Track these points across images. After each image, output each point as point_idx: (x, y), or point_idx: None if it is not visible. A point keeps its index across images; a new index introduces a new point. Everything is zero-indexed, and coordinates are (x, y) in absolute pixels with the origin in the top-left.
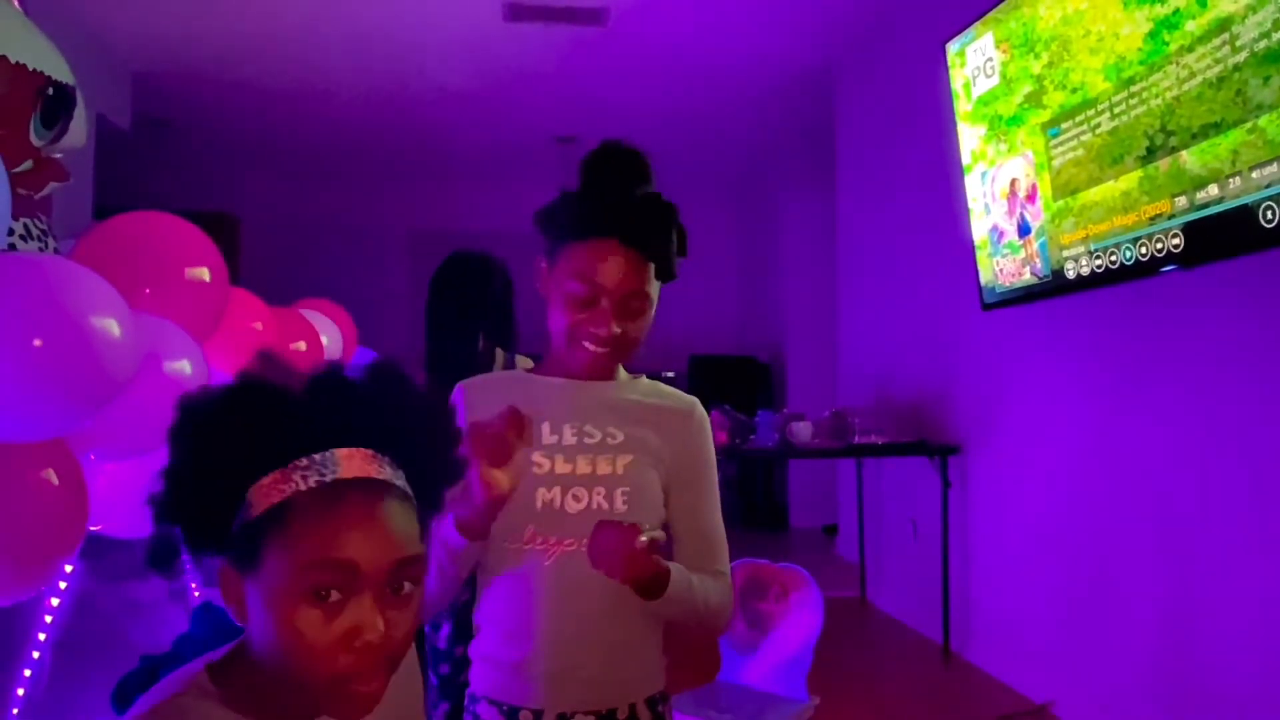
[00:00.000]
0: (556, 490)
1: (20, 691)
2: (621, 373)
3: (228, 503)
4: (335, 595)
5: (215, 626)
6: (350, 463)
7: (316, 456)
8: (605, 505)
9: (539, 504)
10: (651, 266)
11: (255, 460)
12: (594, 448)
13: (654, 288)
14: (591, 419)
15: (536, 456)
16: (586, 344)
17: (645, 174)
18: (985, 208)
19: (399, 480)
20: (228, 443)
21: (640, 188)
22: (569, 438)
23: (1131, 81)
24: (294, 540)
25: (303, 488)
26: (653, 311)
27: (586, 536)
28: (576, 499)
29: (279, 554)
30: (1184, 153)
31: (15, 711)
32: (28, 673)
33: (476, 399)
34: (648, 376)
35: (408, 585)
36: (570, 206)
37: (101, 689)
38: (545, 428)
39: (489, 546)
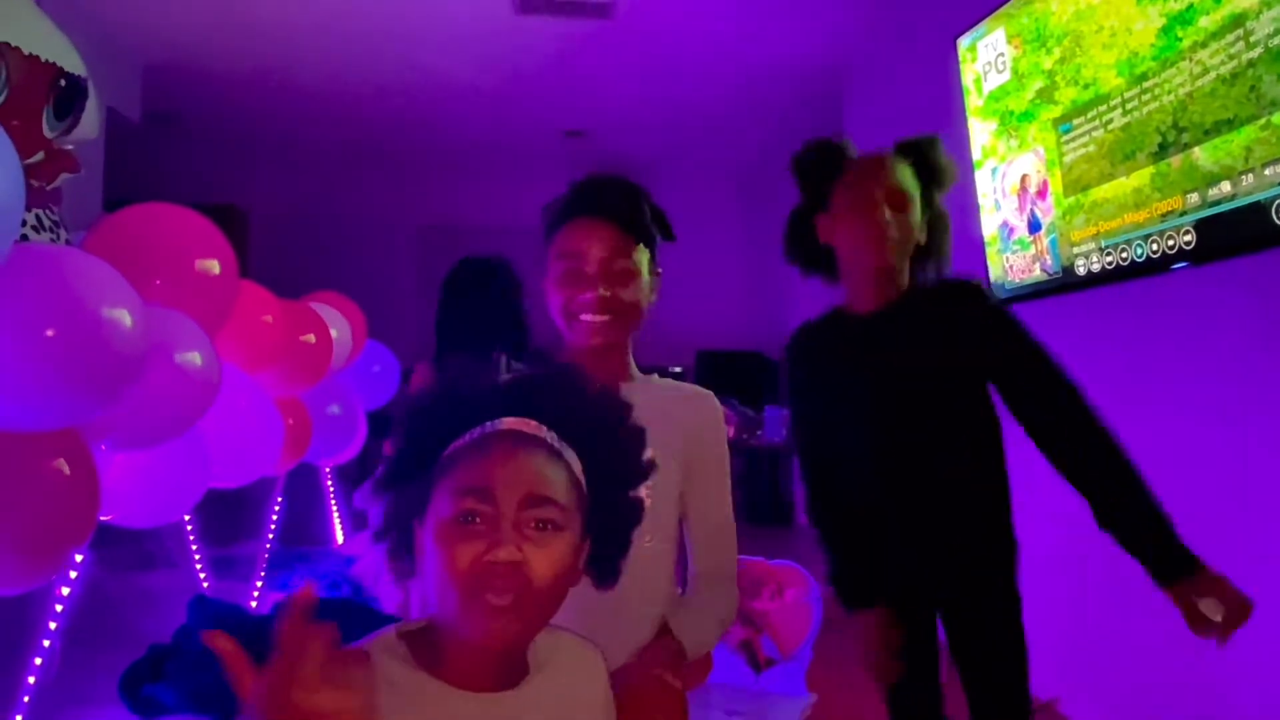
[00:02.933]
0: None
1: (31, 679)
2: (635, 371)
3: (432, 460)
4: (477, 520)
5: (211, 619)
6: (511, 423)
7: (487, 424)
8: None
9: None
10: (631, 238)
11: (445, 441)
12: None
13: (640, 256)
14: None
15: None
16: (582, 316)
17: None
18: (995, 204)
19: (554, 440)
20: (433, 429)
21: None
22: None
23: (1144, 77)
24: (451, 478)
25: (467, 442)
26: (644, 281)
27: None
28: None
29: (440, 492)
30: (1196, 149)
31: (26, 699)
32: (38, 661)
33: None
34: (658, 374)
35: (548, 527)
36: (555, 203)
37: (110, 677)
38: None
39: None
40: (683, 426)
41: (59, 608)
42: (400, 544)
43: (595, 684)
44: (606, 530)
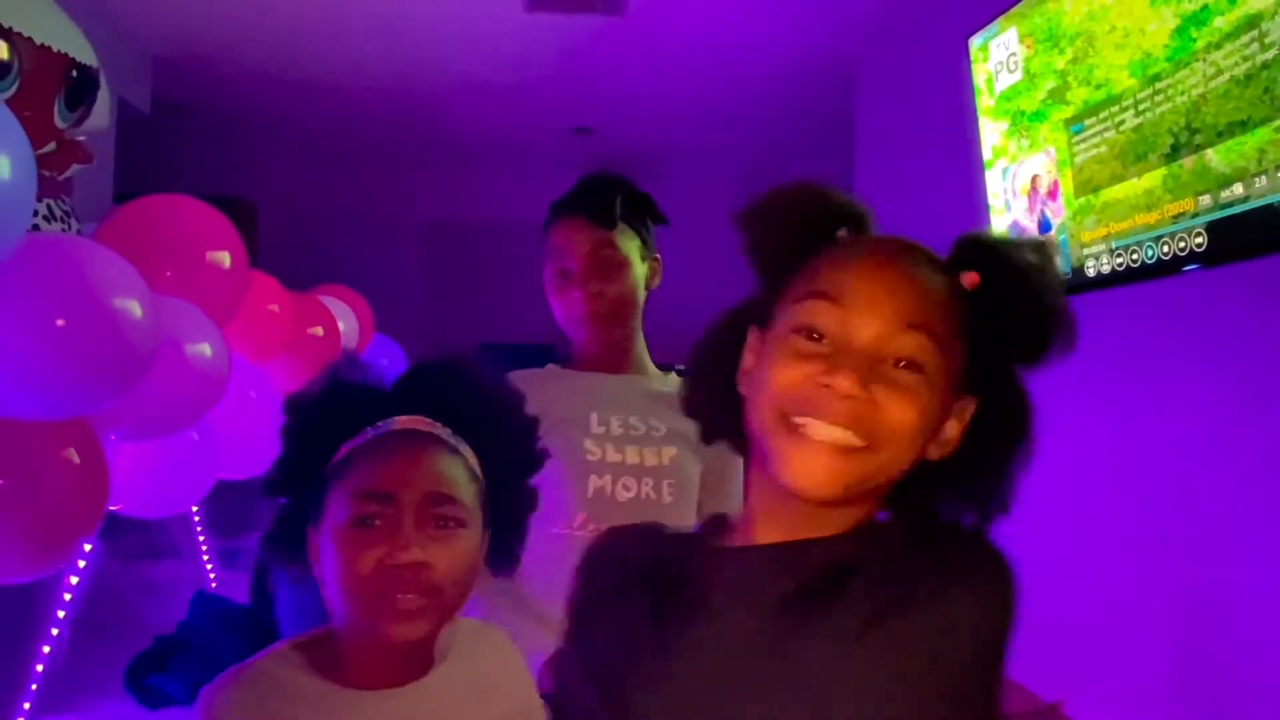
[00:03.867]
0: (608, 478)
1: (39, 667)
2: (651, 366)
3: (318, 466)
4: (377, 523)
5: (211, 614)
6: (404, 422)
7: (380, 424)
8: (653, 495)
9: (590, 490)
10: (607, 228)
11: (341, 439)
12: (640, 439)
13: (625, 244)
14: (634, 410)
15: (588, 443)
16: (579, 313)
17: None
18: (1006, 204)
19: (451, 438)
20: (320, 430)
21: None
22: (616, 428)
23: (1157, 78)
24: (347, 481)
25: (361, 443)
26: (634, 269)
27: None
28: (626, 488)
29: (336, 495)
30: (1209, 151)
31: (34, 686)
32: (47, 649)
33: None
34: (676, 371)
35: (450, 524)
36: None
37: (116, 667)
38: (594, 417)
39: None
40: None
41: (67, 596)
42: (291, 549)
43: (506, 661)
44: (505, 520)
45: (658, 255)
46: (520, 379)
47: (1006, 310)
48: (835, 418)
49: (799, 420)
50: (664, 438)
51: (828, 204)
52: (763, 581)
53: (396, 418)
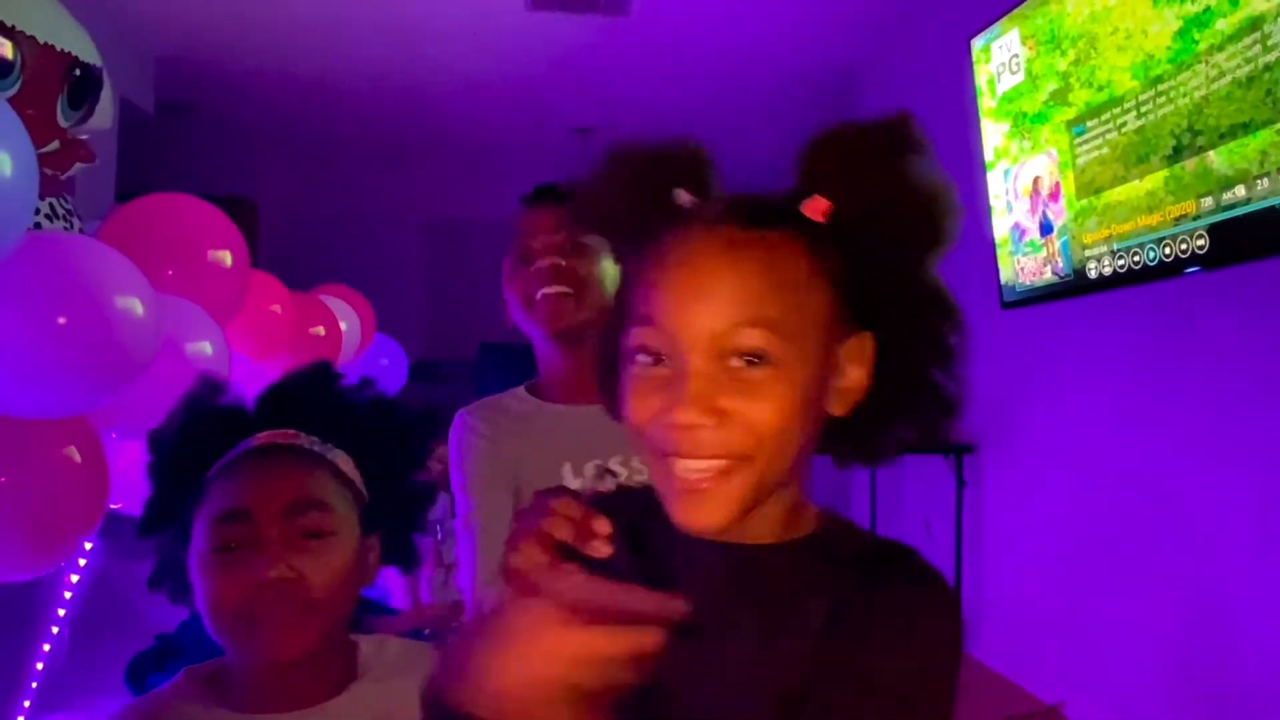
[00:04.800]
0: None
1: (39, 665)
2: None
3: (189, 492)
4: (239, 546)
5: None
6: (263, 438)
7: (239, 443)
8: None
9: None
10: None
11: (205, 465)
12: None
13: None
14: (613, 451)
15: None
16: (540, 291)
17: None
18: (1007, 205)
19: (311, 444)
20: (184, 461)
21: None
22: (590, 479)
23: (1159, 80)
24: (206, 508)
25: (218, 467)
26: (607, 263)
27: None
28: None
29: (198, 523)
30: (1211, 153)
31: (34, 685)
32: (47, 647)
33: (482, 429)
34: None
35: (320, 535)
36: None
37: (116, 665)
38: (566, 469)
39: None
40: None
41: (68, 595)
42: (178, 586)
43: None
44: (397, 520)
45: None
46: (480, 416)
47: (869, 222)
48: (695, 450)
49: (668, 461)
50: (646, 481)
51: (655, 165)
52: (718, 582)
53: (256, 435)
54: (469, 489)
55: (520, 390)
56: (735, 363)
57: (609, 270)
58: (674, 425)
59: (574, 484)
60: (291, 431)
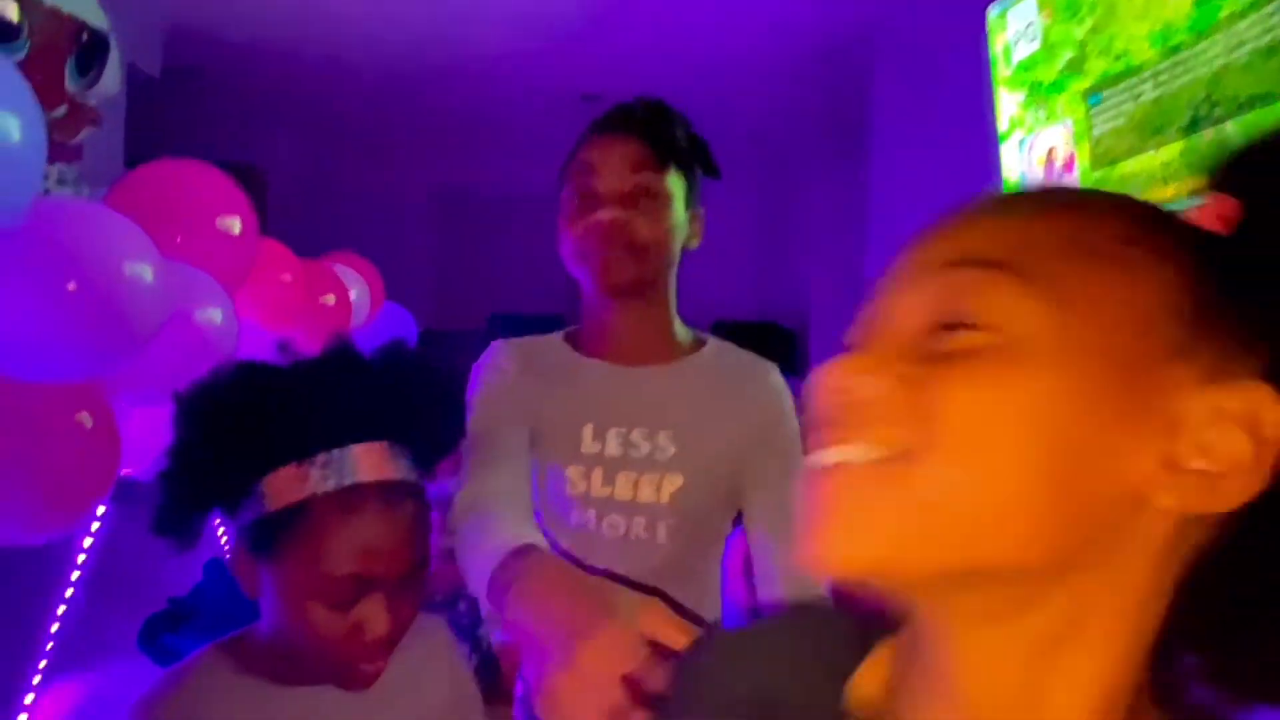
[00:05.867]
0: (592, 513)
1: (54, 628)
2: (683, 337)
3: (240, 487)
4: (354, 603)
5: (225, 580)
6: (368, 461)
7: (335, 453)
8: (644, 535)
9: (572, 523)
10: (657, 156)
11: (271, 451)
12: (640, 463)
13: (671, 182)
14: (641, 421)
15: (571, 473)
16: (595, 247)
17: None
18: (1022, 176)
19: (413, 474)
20: (242, 433)
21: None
22: (613, 447)
23: (1178, 49)
24: (313, 544)
25: (320, 491)
26: (676, 213)
27: (622, 566)
28: (613, 526)
29: (297, 554)
30: (1229, 124)
31: (49, 647)
32: (60, 610)
33: (509, 366)
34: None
35: (417, 584)
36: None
37: (130, 628)
38: (588, 431)
39: (548, 519)
40: (738, 416)
41: (81, 559)
42: (183, 531)
43: (441, 651)
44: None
45: (701, 209)
46: (522, 356)
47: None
48: (853, 428)
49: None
50: (669, 461)
51: None
52: None
53: (355, 452)
54: (476, 420)
55: (557, 338)
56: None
57: (680, 220)
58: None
59: (592, 448)
60: (386, 450)
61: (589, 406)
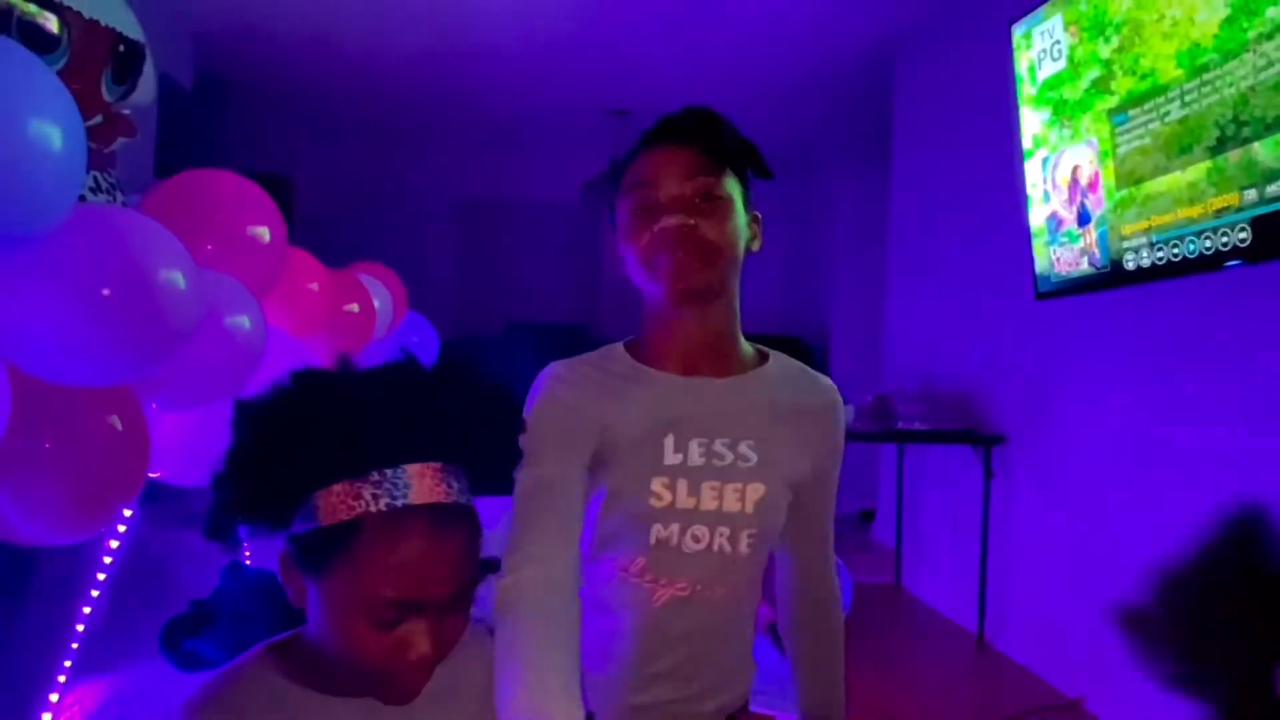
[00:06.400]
0: (675, 527)
1: (80, 627)
2: (749, 357)
3: (291, 500)
4: (400, 623)
5: (242, 584)
6: (421, 484)
7: (388, 472)
8: (728, 548)
9: (653, 539)
10: (714, 162)
11: (326, 466)
12: (723, 471)
13: (730, 186)
14: (723, 431)
15: (655, 485)
16: (664, 257)
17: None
18: (1045, 194)
19: (464, 497)
20: (297, 445)
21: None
22: (695, 457)
23: (1205, 69)
24: (360, 565)
25: (373, 509)
26: (738, 216)
27: (702, 579)
28: (696, 539)
29: (344, 573)
30: (1256, 144)
31: (75, 646)
32: (87, 610)
33: (565, 392)
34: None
35: (460, 604)
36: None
37: (152, 630)
38: (669, 443)
39: (591, 554)
40: (805, 439)
41: (108, 560)
42: (227, 537)
43: (483, 661)
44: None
45: (758, 214)
46: (580, 377)
47: None
48: None
49: None
50: (751, 470)
51: None
52: None
53: (409, 472)
54: (530, 453)
55: (619, 349)
56: None
57: (742, 222)
58: None
59: (674, 459)
60: (439, 471)
61: (668, 416)
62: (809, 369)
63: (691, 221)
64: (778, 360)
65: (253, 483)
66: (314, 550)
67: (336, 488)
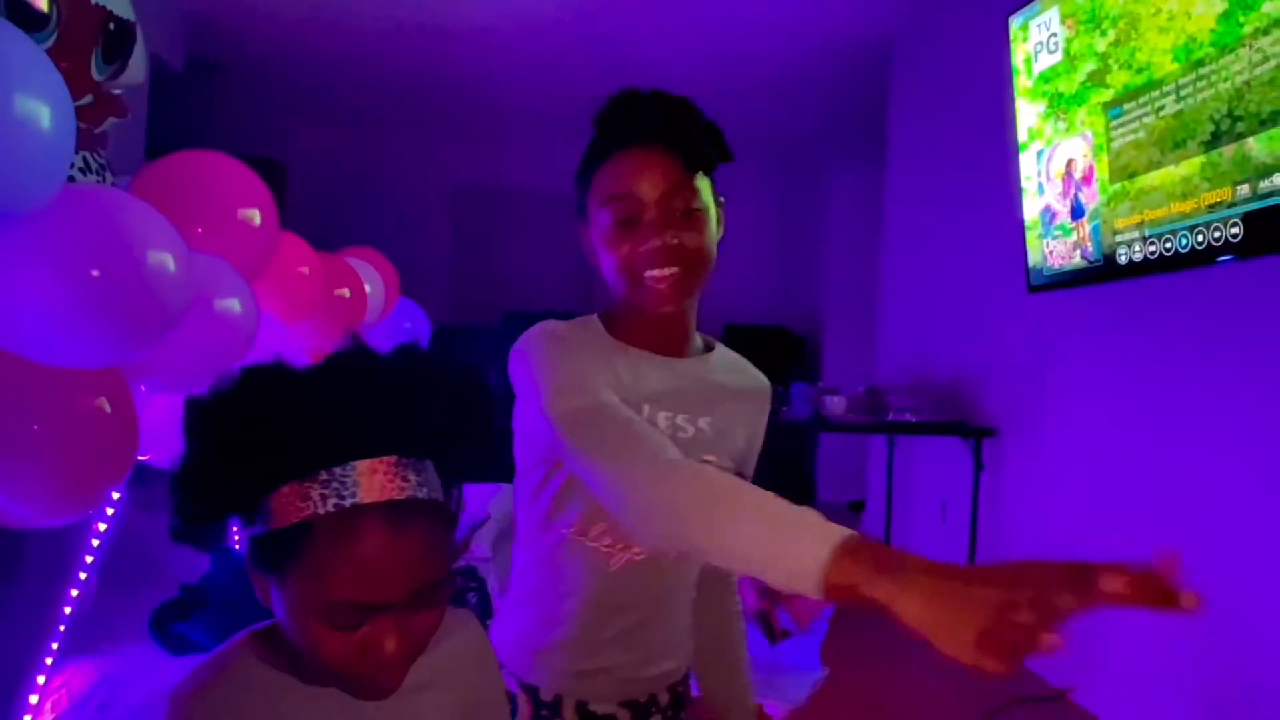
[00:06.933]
0: None
1: (67, 610)
2: (699, 341)
3: (245, 502)
4: (359, 627)
5: (231, 568)
6: (371, 481)
7: (336, 471)
8: None
9: None
10: (691, 169)
11: (272, 468)
12: (687, 445)
13: (705, 189)
14: (687, 407)
15: None
16: (648, 273)
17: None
18: (1039, 187)
19: (423, 490)
20: (240, 449)
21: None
22: (664, 429)
23: (1200, 64)
24: (314, 568)
25: (321, 510)
26: (714, 221)
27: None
28: None
29: (299, 575)
30: (1250, 139)
31: (62, 629)
32: (74, 594)
33: (571, 335)
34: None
35: (431, 603)
36: (587, 149)
37: (141, 614)
38: (644, 411)
39: (544, 521)
40: (744, 420)
41: (96, 543)
42: (196, 538)
43: (471, 649)
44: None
45: (722, 199)
46: (578, 338)
47: None
48: None
49: None
50: (708, 442)
51: None
52: None
53: (359, 469)
54: (566, 384)
55: (595, 322)
56: None
57: (715, 221)
58: None
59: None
60: (393, 465)
61: (642, 390)
62: (749, 365)
63: (675, 241)
64: (722, 349)
65: (205, 485)
66: (269, 552)
67: (284, 490)
